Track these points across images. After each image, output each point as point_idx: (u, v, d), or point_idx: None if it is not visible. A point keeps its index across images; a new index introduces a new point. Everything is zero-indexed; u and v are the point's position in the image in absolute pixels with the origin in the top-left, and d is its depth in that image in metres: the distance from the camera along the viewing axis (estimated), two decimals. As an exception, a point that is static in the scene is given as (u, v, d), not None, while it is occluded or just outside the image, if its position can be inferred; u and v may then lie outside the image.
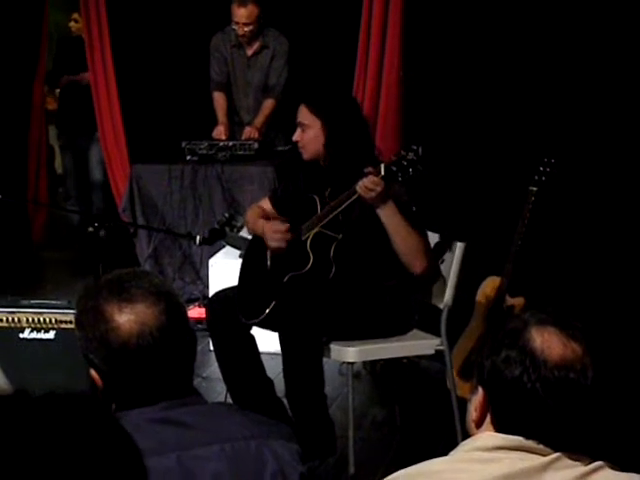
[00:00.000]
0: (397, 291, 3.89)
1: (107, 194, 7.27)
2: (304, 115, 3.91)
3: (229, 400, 3.95)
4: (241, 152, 6.04)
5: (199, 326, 4.85)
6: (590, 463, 1.70)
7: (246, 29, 6.16)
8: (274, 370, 4.04)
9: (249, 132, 6.25)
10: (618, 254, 5.40)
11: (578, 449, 1.71)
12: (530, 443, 1.70)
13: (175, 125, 6.56)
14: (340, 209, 3.76)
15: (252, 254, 4.10)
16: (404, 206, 3.71)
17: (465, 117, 5.81)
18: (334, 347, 3.79)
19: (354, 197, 3.67)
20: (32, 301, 4.28)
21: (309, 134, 3.89)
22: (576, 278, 5.29)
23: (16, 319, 4.13)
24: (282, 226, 3.93)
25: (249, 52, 6.33)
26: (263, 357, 3.98)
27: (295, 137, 3.96)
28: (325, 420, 3.79)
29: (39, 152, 7.54)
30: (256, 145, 6.05)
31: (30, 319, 4.13)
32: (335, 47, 6.35)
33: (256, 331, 3.96)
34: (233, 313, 3.90)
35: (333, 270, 3.80)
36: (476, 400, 1.78)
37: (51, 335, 4.12)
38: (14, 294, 4.62)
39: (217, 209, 5.93)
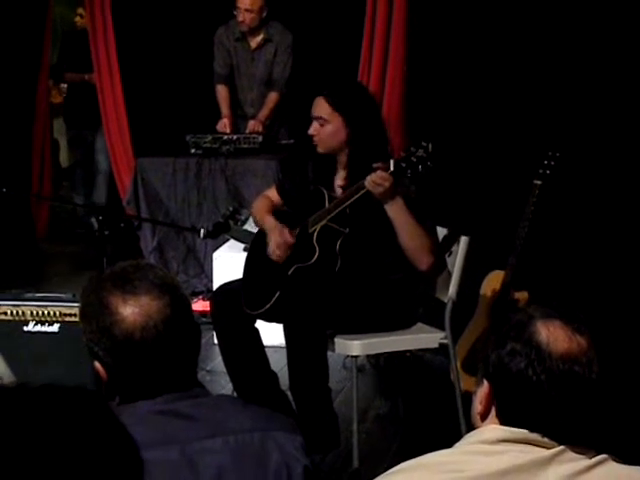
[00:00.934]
0: (402, 285, 3.89)
1: (111, 186, 7.29)
2: (323, 109, 3.85)
3: (233, 393, 3.95)
4: (245, 145, 6.05)
5: (203, 319, 4.85)
6: (594, 456, 1.70)
7: (247, 16, 6.14)
8: (278, 363, 4.04)
9: (253, 125, 6.25)
10: (622, 248, 5.39)
11: (582, 442, 1.71)
12: (534, 436, 1.70)
13: (179, 118, 6.57)
14: (348, 203, 3.75)
15: (258, 245, 4.10)
16: (412, 202, 3.70)
17: (470, 112, 5.81)
18: (338, 340, 3.79)
19: (362, 192, 3.67)
20: (36, 294, 4.29)
21: (328, 129, 3.84)
22: (580, 272, 5.29)
23: (20, 312, 4.14)
24: (288, 238, 3.91)
25: (253, 45, 6.33)
26: (267, 350, 3.98)
27: (311, 131, 3.88)
28: (329, 413, 3.79)
29: (43, 146, 7.55)
30: (260, 138, 6.06)
31: (34, 312, 4.13)
32: (339, 41, 6.35)
33: (260, 324, 3.96)
34: (237, 306, 3.90)
35: (339, 263, 3.80)
36: (481, 393, 1.78)
37: (55, 328, 4.12)
38: (18, 287, 4.63)
39: (221, 202, 5.93)
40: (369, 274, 3.87)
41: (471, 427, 1.83)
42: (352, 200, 3.73)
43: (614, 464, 1.71)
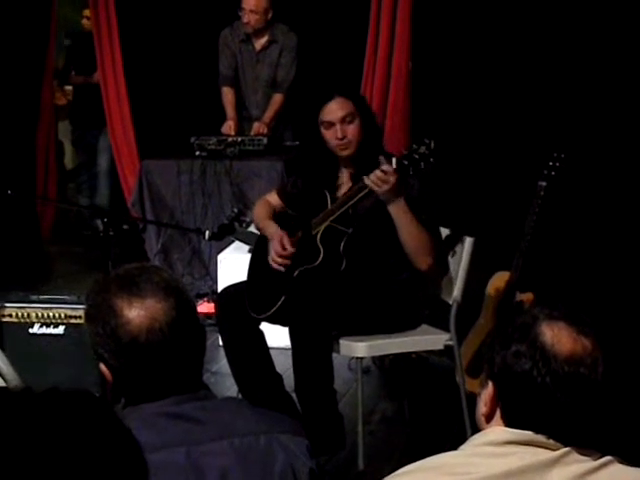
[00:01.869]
0: (407, 286, 3.89)
1: (116, 188, 7.30)
2: (348, 107, 3.82)
3: (238, 395, 3.95)
4: (250, 147, 6.04)
5: (208, 321, 4.85)
6: (600, 458, 1.70)
7: (251, 17, 6.14)
8: (283, 365, 4.04)
9: (258, 127, 6.25)
10: (627, 249, 5.39)
11: (588, 444, 1.71)
12: (540, 438, 1.70)
13: (184, 120, 6.57)
14: (350, 203, 3.75)
15: (262, 248, 4.10)
16: (415, 202, 3.70)
17: (474, 112, 5.81)
18: (343, 342, 3.79)
19: (365, 191, 3.67)
20: (41, 296, 4.30)
21: (356, 125, 3.82)
22: (585, 273, 5.28)
23: (26, 314, 4.15)
24: (288, 249, 3.91)
25: (257, 47, 6.33)
26: (272, 352, 3.98)
27: (340, 134, 3.79)
28: (334, 415, 3.79)
29: (48, 148, 7.56)
30: (265, 140, 6.05)
31: (40, 314, 4.14)
32: (344, 42, 6.35)
33: (265, 326, 3.96)
34: (242, 308, 3.90)
35: (343, 264, 3.80)
36: (486, 394, 1.78)
37: (60, 330, 4.14)
38: (24, 290, 4.63)
39: (226, 204, 5.93)
40: (374, 275, 3.87)
41: (476, 429, 1.83)
42: (355, 200, 3.73)
43: (620, 466, 1.71)
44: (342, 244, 3.81)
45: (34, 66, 7.24)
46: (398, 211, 3.66)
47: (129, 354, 1.84)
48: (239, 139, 6.08)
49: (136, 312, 1.84)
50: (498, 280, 4.57)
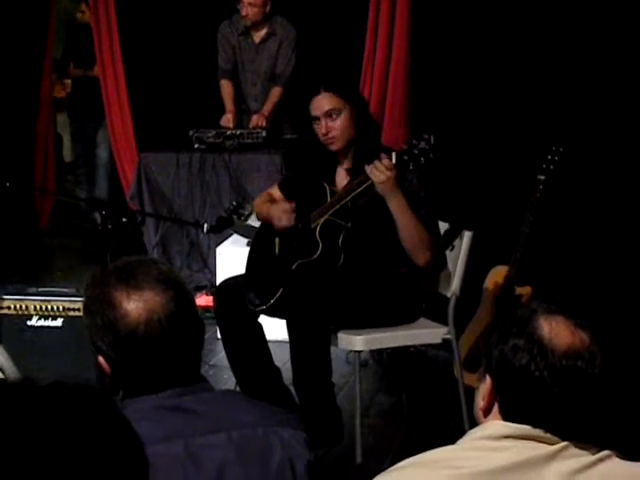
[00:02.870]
0: (405, 279, 3.89)
1: (114, 181, 7.30)
2: (333, 101, 3.80)
3: (236, 388, 3.96)
4: (249, 140, 6.04)
5: (206, 314, 4.85)
6: (597, 452, 1.70)
7: (250, 10, 6.14)
8: (281, 358, 4.05)
9: (257, 120, 6.24)
10: (626, 243, 5.39)
11: (586, 438, 1.71)
12: (537, 432, 1.70)
13: (183, 113, 6.56)
14: (350, 197, 3.75)
15: (260, 241, 4.10)
16: (414, 198, 3.70)
17: (474, 106, 5.80)
18: (341, 335, 3.79)
19: (364, 185, 3.66)
20: (40, 289, 4.30)
21: (342, 120, 3.80)
22: (584, 267, 5.28)
23: (24, 307, 4.14)
24: (287, 205, 3.92)
25: (256, 40, 6.33)
26: (270, 345, 3.99)
27: (324, 129, 3.79)
28: (332, 408, 3.79)
29: (47, 140, 7.55)
30: (264, 133, 6.05)
31: (38, 307, 4.14)
32: (343, 35, 6.34)
33: (263, 319, 3.96)
34: (240, 301, 3.90)
35: (342, 258, 3.80)
36: (484, 389, 1.78)
37: (59, 323, 4.14)
38: (22, 282, 4.63)
39: (225, 197, 5.93)
40: (372, 268, 3.87)
41: (474, 423, 1.83)
42: (354, 194, 3.73)
43: (617, 460, 1.71)
44: (341, 238, 3.81)
45: (33, 58, 7.23)
46: (396, 207, 3.66)
47: (127, 346, 1.84)
48: (238, 132, 6.08)
49: (134, 304, 1.84)
50: (496, 274, 4.57)
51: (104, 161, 7.64)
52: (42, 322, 4.14)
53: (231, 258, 5.22)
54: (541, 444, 1.69)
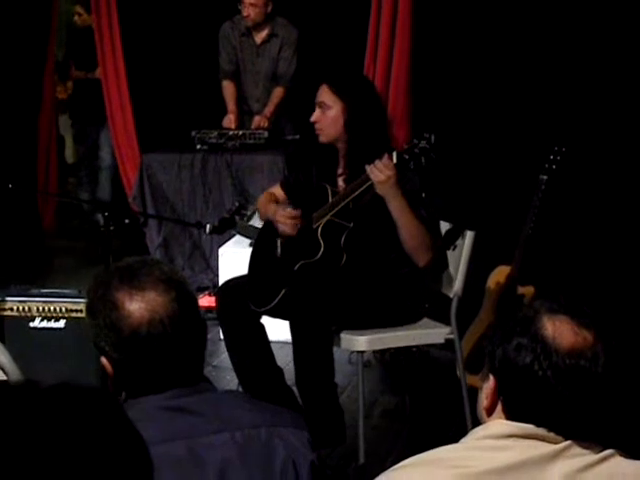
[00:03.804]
0: (408, 280, 3.89)
1: (116, 182, 7.30)
2: (326, 95, 3.84)
3: (239, 389, 3.95)
4: (251, 141, 6.05)
5: (209, 315, 4.85)
6: (601, 451, 1.70)
7: (251, 10, 6.14)
8: (284, 359, 4.05)
9: (258, 121, 6.24)
10: (628, 242, 5.38)
11: (589, 437, 1.71)
12: (541, 431, 1.69)
13: (185, 114, 6.57)
14: (351, 197, 3.75)
15: (263, 242, 4.10)
16: (414, 198, 3.69)
17: (476, 105, 5.80)
18: (344, 336, 3.79)
19: (365, 185, 3.66)
20: (42, 290, 4.30)
21: (329, 115, 3.83)
22: (586, 267, 5.28)
23: (26, 308, 4.14)
24: (294, 212, 3.92)
25: (258, 41, 6.33)
26: (273, 346, 3.98)
27: (314, 118, 3.87)
28: (335, 408, 3.79)
29: (49, 142, 7.56)
30: (266, 134, 6.06)
31: (40, 308, 4.14)
32: (344, 36, 6.34)
33: (266, 320, 3.96)
34: (243, 302, 3.90)
35: (344, 259, 3.80)
36: (487, 388, 1.78)
37: (61, 324, 4.14)
38: (24, 283, 4.63)
39: (227, 198, 5.94)
40: (375, 269, 3.87)
41: (477, 422, 1.83)
42: (356, 194, 3.73)
43: (621, 459, 1.71)
44: (343, 238, 3.81)
45: (35, 60, 7.23)
46: (396, 207, 3.65)
47: (130, 347, 1.84)
48: (240, 133, 6.08)
49: (137, 305, 1.84)
50: (499, 274, 4.57)
51: (106, 163, 7.65)
52: (45, 323, 4.14)
53: (233, 259, 5.22)
54: (544, 443, 1.69)
